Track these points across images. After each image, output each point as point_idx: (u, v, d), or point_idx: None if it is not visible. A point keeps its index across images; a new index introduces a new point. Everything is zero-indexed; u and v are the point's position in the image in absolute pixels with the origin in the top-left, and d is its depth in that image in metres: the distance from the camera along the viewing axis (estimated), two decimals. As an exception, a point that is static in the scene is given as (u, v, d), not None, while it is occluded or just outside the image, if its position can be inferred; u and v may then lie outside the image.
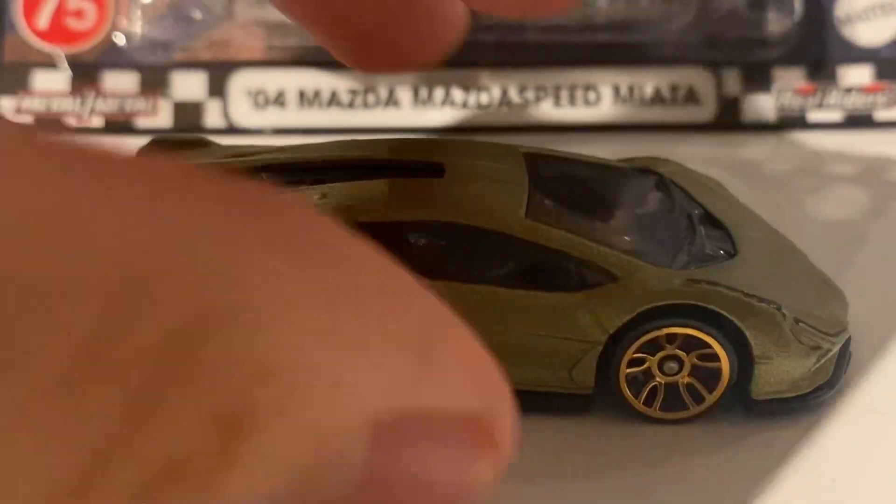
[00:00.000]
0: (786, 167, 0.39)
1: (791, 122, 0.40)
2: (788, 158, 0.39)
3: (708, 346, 0.25)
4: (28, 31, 0.39)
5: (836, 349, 0.26)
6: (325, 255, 0.12)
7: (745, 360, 0.25)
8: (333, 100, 0.40)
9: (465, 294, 0.24)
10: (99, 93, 0.39)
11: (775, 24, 0.41)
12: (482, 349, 0.14)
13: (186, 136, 0.31)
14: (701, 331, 0.24)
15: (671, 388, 0.25)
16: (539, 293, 0.25)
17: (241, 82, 0.40)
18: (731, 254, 0.27)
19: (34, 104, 0.39)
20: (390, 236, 0.24)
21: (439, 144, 0.28)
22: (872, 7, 0.41)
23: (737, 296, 0.25)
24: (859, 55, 0.41)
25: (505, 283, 0.25)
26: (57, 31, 0.40)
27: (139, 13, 0.40)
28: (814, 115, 0.40)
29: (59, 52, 0.39)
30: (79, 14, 0.40)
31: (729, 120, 0.40)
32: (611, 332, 0.24)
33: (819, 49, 0.41)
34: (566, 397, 0.25)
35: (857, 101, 0.41)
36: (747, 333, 0.24)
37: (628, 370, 0.25)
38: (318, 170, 0.27)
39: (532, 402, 0.24)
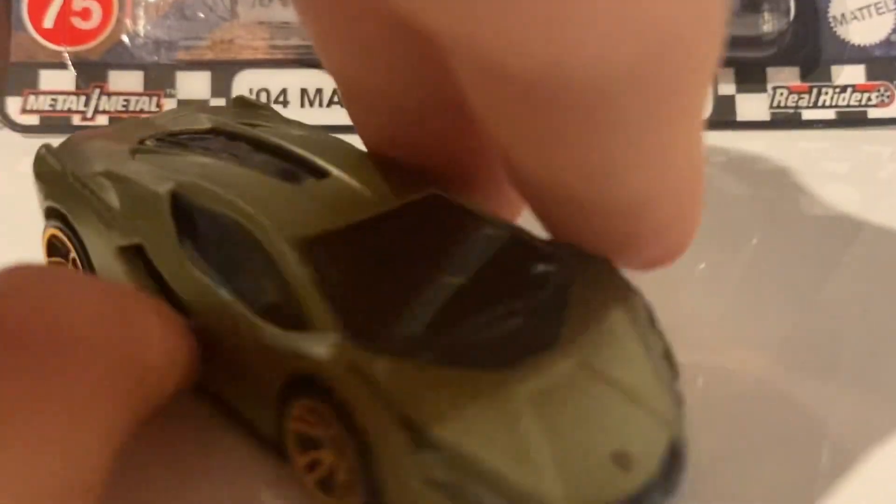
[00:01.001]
0: (780, 165, 0.39)
1: (785, 120, 0.41)
2: (782, 156, 0.40)
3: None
4: (34, 30, 0.40)
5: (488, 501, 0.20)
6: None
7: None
8: (335, 99, 0.40)
9: (216, 305, 0.23)
10: (104, 92, 0.40)
11: (770, 23, 0.41)
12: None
13: (259, 102, 0.32)
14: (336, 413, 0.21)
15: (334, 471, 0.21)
16: (259, 322, 0.22)
17: (245, 81, 0.40)
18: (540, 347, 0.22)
19: (40, 103, 0.40)
20: (199, 221, 0.24)
21: (346, 152, 0.26)
22: (866, 6, 0.41)
23: (378, 395, 0.20)
24: (853, 54, 0.41)
25: (248, 302, 0.23)
26: (62, 31, 0.40)
27: (144, 13, 0.40)
28: (808, 114, 0.41)
29: (64, 51, 0.40)
30: (84, 14, 0.40)
31: (724, 118, 0.41)
32: (276, 389, 0.22)
33: (813, 48, 0.41)
34: (267, 437, 0.23)
35: (850, 100, 0.41)
36: (371, 443, 0.20)
37: (296, 441, 0.22)
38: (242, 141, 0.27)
39: (249, 427, 0.23)
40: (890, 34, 0.41)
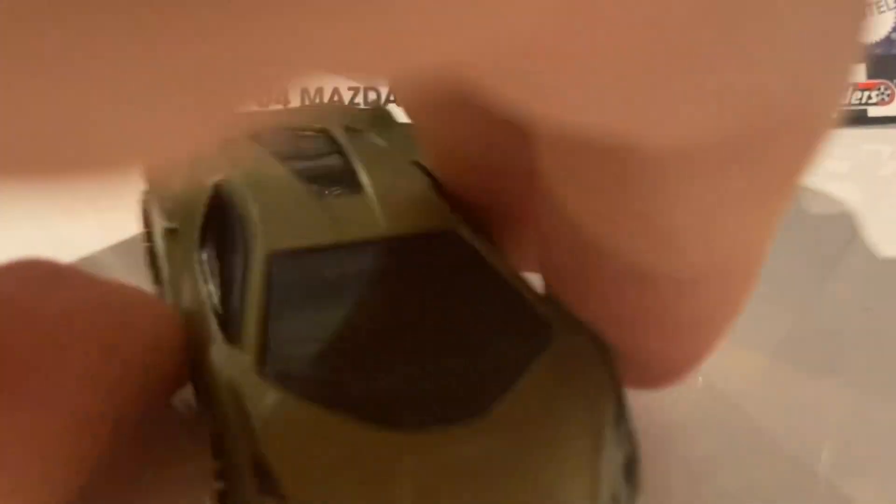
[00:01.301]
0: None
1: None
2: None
3: None
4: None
5: None
6: None
7: None
8: (334, 98, 0.40)
9: (197, 303, 0.24)
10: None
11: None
12: None
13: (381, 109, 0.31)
14: None
15: None
16: (215, 328, 0.22)
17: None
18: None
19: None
20: (224, 217, 0.24)
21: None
22: (866, 5, 0.41)
23: (245, 429, 0.20)
24: (853, 53, 0.41)
25: (223, 305, 0.23)
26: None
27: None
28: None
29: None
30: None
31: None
32: (208, 396, 0.22)
33: (813, 47, 0.41)
34: None
35: (850, 98, 0.41)
36: (232, 474, 0.20)
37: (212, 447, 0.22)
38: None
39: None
40: (890, 32, 0.41)
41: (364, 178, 0.25)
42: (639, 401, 0.26)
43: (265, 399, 0.20)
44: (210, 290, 0.23)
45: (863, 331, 0.29)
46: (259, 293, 0.22)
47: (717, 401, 0.26)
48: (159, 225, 0.26)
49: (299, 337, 0.21)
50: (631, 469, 0.21)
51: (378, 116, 0.30)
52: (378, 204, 0.24)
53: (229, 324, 0.22)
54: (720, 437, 0.25)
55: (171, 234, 0.25)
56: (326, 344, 0.21)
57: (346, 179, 0.25)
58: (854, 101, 0.41)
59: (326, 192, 0.24)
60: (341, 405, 0.20)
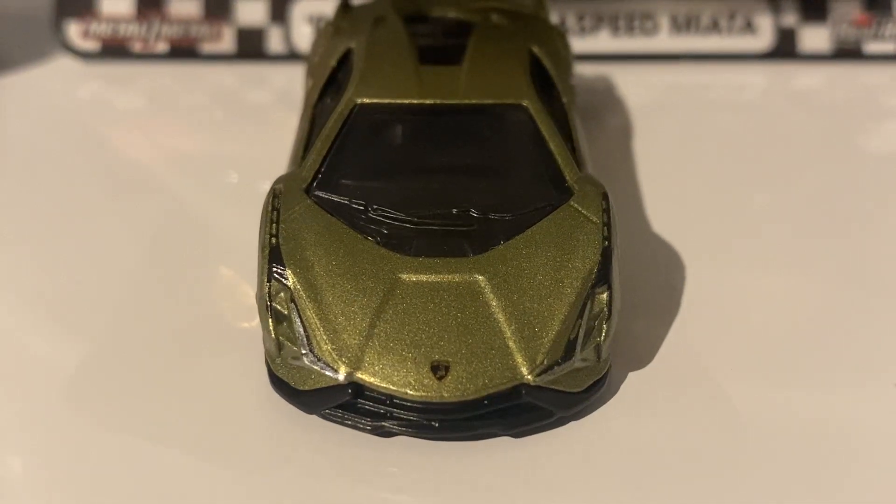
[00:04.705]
0: (840, 97, 0.39)
1: (846, 52, 0.40)
2: (843, 89, 0.39)
3: None
4: (94, -44, 0.40)
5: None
6: None
7: None
8: None
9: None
10: (164, 18, 0.40)
11: (834, -46, 0.41)
12: None
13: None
14: None
15: None
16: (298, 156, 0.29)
17: (303, 9, 0.40)
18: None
19: (101, 28, 0.40)
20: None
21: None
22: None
23: (271, 206, 0.26)
24: (917, -14, 0.41)
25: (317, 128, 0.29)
26: (123, -43, 0.40)
27: (202, -61, 0.40)
28: (869, 47, 0.40)
29: (124, -23, 0.40)
30: (144, -60, 0.40)
31: (785, 50, 0.40)
32: None
33: (877, -20, 0.41)
34: None
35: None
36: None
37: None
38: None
39: None
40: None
41: (469, 54, 0.29)
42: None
43: (297, 204, 0.25)
44: (305, 126, 0.28)
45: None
46: (331, 130, 0.27)
47: (771, 327, 0.27)
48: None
49: (351, 171, 0.26)
50: (602, 317, 0.24)
51: (519, 11, 0.33)
52: (466, 75, 0.28)
53: (305, 152, 0.27)
54: (777, 361, 0.26)
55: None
56: (370, 181, 0.26)
57: (454, 55, 0.29)
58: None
59: (431, 62, 0.29)
60: (357, 226, 0.25)
